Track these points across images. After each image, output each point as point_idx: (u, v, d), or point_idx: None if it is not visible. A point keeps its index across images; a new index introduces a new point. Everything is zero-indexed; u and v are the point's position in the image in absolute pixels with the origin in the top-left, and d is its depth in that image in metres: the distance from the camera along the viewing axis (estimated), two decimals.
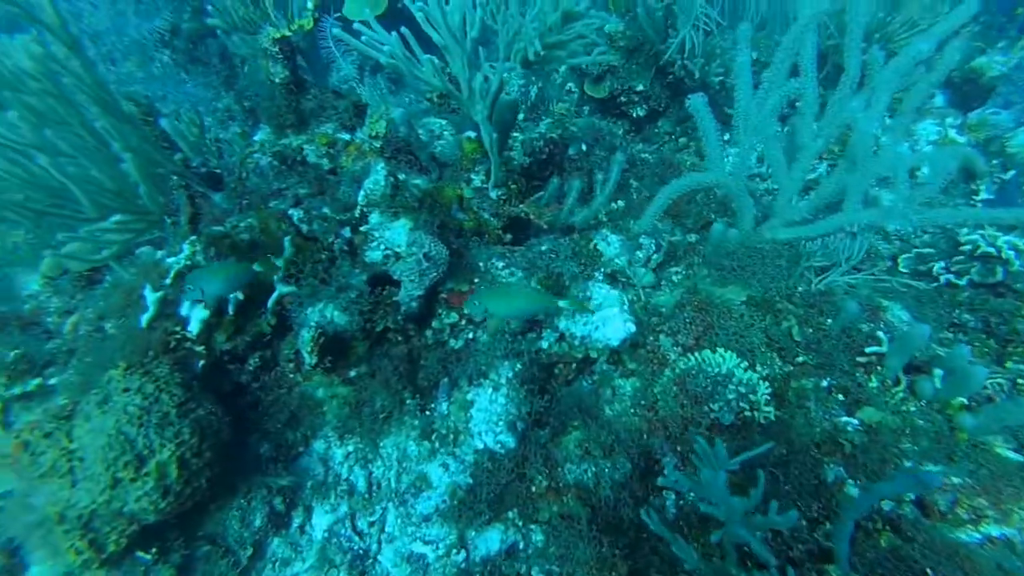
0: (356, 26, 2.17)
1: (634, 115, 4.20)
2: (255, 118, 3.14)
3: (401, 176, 2.38)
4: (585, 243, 2.76)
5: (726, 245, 2.81)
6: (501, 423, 2.03)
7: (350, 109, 3.07)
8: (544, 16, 2.68)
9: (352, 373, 2.30)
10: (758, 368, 2.36)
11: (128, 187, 2.05)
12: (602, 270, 2.69)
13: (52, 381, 2.37)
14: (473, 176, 2.59)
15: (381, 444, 2.18)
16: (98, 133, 1.90)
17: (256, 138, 2.97)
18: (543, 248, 2.43)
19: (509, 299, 1.95)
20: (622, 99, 4.16)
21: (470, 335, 2.29)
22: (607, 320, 2.38)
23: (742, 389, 2.24)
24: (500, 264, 2.38)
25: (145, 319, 2.15)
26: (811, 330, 2.46)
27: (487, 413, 2.04)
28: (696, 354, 2.42)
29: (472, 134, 2.58)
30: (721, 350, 2.40)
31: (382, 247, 2.21)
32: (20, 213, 1.73)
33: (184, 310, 2.18)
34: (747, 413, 2.22)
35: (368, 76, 4.50)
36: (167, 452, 1.69)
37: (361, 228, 2.28)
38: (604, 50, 2.85)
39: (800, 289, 2.69)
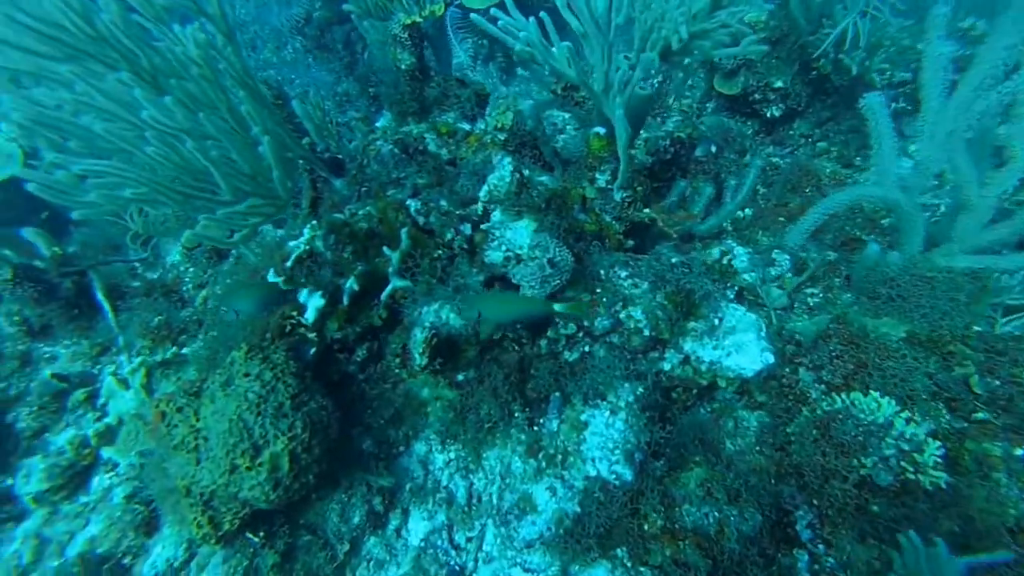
0: (493, 11, 2.04)
1: (767, 115, 3.79)
2: (378, 104, 3.15)
3: (526, 172, 2.24)
4: (716, 256, 2.49)
5: (884, 270, 2.42)
6: (618, 452, 1.84)
7: (472, 99, 2.98)
8: (690, 1, 2.41)
9: (460, 377, 2.21)
10: (917, 419, 2.00)
11: (262, 171, 2.07)
12: (733, 288, 2.41)
13: (185, 350, 2.50)
14: (598, 175, 2.40)
15: (484, 455, 2.07)
16: (241, 118, 1.91)
17: (378, 124, 2.96)
18: (673, 260, 2.20)
19: (502, 303, 1.85)
20: (756, 96, 3.76)
21: (586, 348, 2.12)
22: (742, 346, 2.11)
23: (904, 445, 1.90)
24: (623, 274, 2.18)
25: None
26: (998, 382, 2.04)
27: (602, 438, 1.87)
28: (844, 395, 2.09)
29: (601, 130, 2.38)
30: (876, 394, 2.06)
31: (503, 248, 2.09)
32: (169, 195, 1.77)
33: (302, 297, 2.18)
34: (909, 475, 1.88)
35: (480, 65, 4.43)
36: (280, 444, 1.67)
37: (482, 225, 2.17)
38: (753, 39, 2.53)
39: (978, 329, 2.26)
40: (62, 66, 1.54)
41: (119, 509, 2.13)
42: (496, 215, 2.15)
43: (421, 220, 2.50)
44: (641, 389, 1.94)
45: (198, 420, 1.75)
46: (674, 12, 2.32)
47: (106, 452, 2.25)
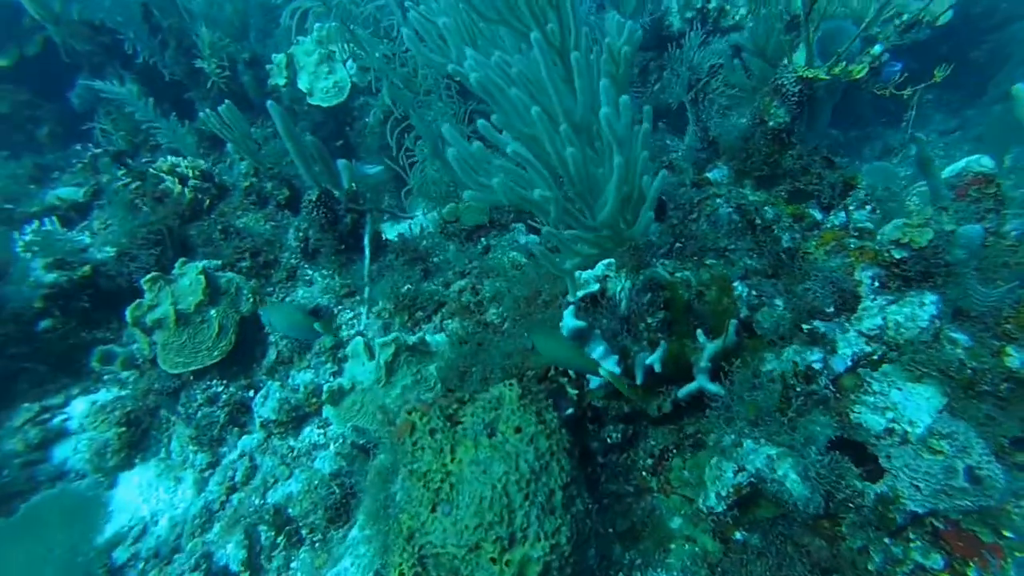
0: None
1: None
2: (715, 151, 2.70)
3: (943, 325, 1.58)
4: None
5: None
6: None
7: (838, 186, 2.38)
8: None
9: (738, 535, 1.65)
10: None
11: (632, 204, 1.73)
12: None
13: (430, 338, 2.31)
14: None
15: None
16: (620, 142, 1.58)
17: (711, 176, 2.52)
18: None
19: (559, 347, 1.69)
20: None
21: None
22: None
23: None
24: None
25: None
26: None
27: None
28: None
29: None
30: None
31: (886, 415, 1.47)
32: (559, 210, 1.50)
33: (595, 350, 1.81)
34: None
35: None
36: (539, 550, 1.29)
37: (859, 369, 1.58)
38: None
39: None
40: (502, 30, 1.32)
41: (319, 480, 1.99)
42: (887, 367, 1.53)
43: (744, 312, 1.99)
44: None
45: (453, 460, 1.45)
46: None
47: (327, 410, 2.14)
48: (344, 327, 2.88)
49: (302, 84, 5.49)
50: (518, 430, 1.49)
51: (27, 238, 2.77)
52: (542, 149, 1.52)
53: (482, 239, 3.61)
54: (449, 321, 2.82)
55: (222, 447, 2.37)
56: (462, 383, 2.00)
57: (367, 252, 3.19)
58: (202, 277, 2.56)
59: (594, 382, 1.75)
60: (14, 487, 2.28)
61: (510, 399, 1.61)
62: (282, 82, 5.65)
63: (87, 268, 2.75)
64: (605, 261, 2.33)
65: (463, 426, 1.55)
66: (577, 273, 2.36)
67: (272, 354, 2.65)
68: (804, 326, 1.80)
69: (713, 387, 1.71)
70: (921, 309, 1.58)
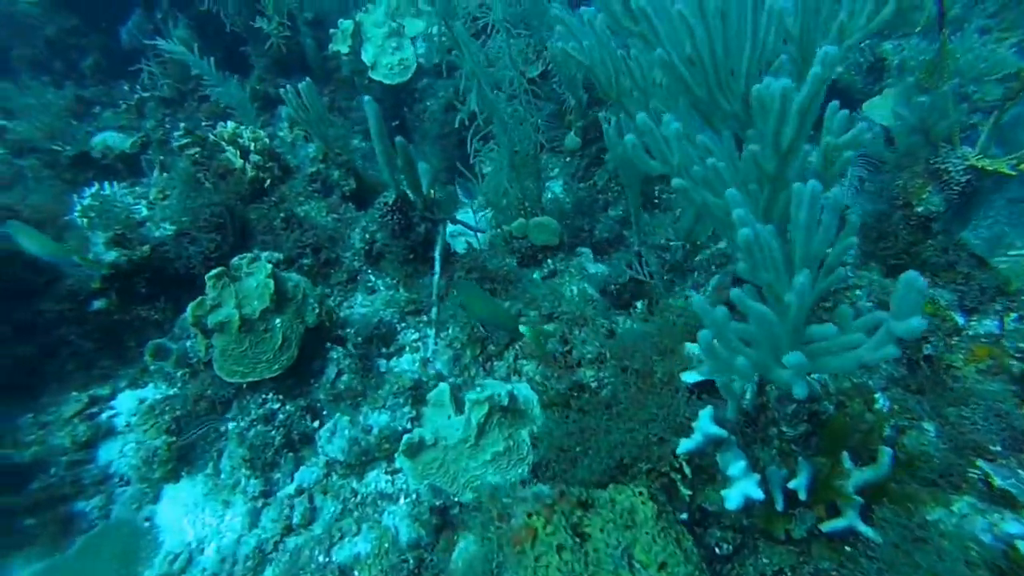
0: None
1: None
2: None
3: None
4: None
5: None
6: None
7: (989, 290, 2.15)
8: None
9: None
10: None
11: None
12: None
13: (519, 392, 2.10)
14: None
15: None
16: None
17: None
18: None
19: (484, 305, 2.04)
20: None
21: None
22: None
23: None
24: None
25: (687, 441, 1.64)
26: None
27: None
28: None
29: None
30: None
31: None
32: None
33: (731, 467, 1.60)
34: None
35: None
36: None
37: None
38: None
39: None
40: None
41: (390, 542, 1.80)
42: None
43: (886, 431, 1.79)
44: None
45: None
46: None
47: (402, 461, 1.94)
48: (407, 349, 2.68)
49: (366, 56, 5.19)
50: (663, 567, 1.30)
51: (85, 202, 2.54)
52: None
53: (548, 260, 3.40)
54: (524, 362, 2.62)
55: (275, 472, 2.18)
56: (570, 469, 1.80)
57: (437, 267, 2.97)
58: (271, 281, 2.34)
59: (731, 501, 1.55)
60: (61, 489, 2.11)
61: (645, 517, 1.42)
62: (345, 50, 5.35)
63: (146, 248, 2.52)
64: None
65: (594, 547, 1.36)
66: (688, 346, 2.16)
67: (332, 371, 2.44)
68: (971, 470, 1.60)
69: (868, 531, 1.52)
70: None
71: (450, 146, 5.07)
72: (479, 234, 3.59)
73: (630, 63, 1.86)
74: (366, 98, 2.50)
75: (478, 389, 2.25)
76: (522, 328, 2.05)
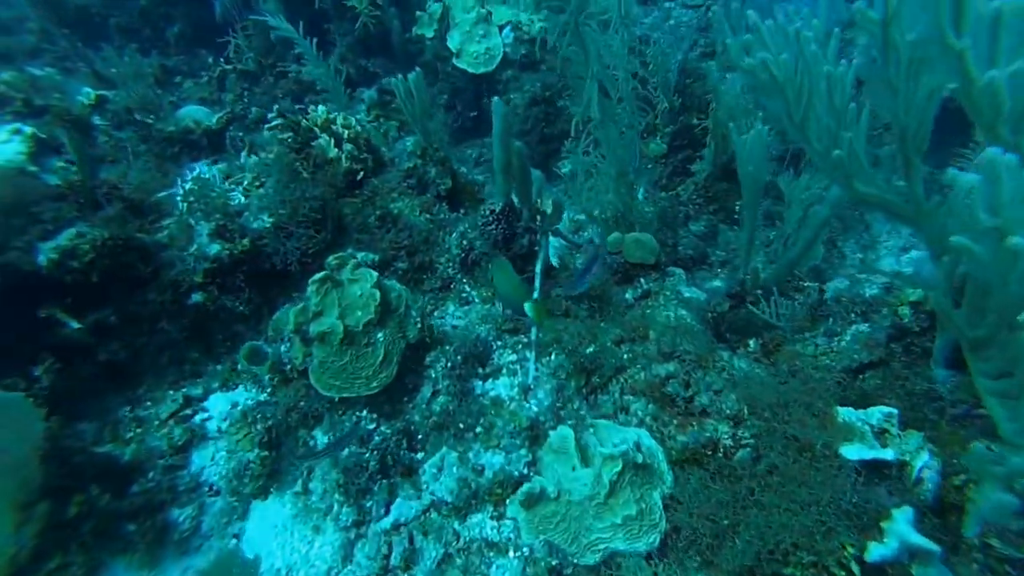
0: None
1: None
2: None
3: None
4: None
5: None
6: None
7: None
8: None
9: None
10: None
11: None
12: None
13: (645, 442, 1.88)
14: None
15: None
16: None
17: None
18: None
19: (508, 284, 2.04)
20: None
21: None
22: None
23: None
24: None
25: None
26: None
27: None
28: None
29: None
30: None
31: None
32: None
33: None
34: None
35: None
36: None
37: None
38: None
39: None
40: None
41: None
42: None
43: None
44: None
45: None
46: None
47: (516, 510, 1.76)
48: (504, 371, 2.49)
49: (452, 43, 4.98)
50: None
51: (187, 186, 2.42)
52: None
53: (640, 279, 3.16)
54: (631, 398, 2.40)
55: (367, 499, 2.03)
56: (718, 547, 1.59)
57: (538, 282, 2.76)
58: (377, 292, 2.18)
59: None
60: (158, 496, 2.01)
61: None
62: (430, 34, 5.15)
63: (246, 241, 2.39)
64: (882, 410, 1.87)
65: None
66: (841, 412, 1.91)
67: (427, 390, 2.28)
68: None
69: None
70: None
71: (532, 142, 4.85)
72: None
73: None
74: (495, 99, 2.29)
75: (591, 431, 2.05)
76: (526, 306, 1.95)
